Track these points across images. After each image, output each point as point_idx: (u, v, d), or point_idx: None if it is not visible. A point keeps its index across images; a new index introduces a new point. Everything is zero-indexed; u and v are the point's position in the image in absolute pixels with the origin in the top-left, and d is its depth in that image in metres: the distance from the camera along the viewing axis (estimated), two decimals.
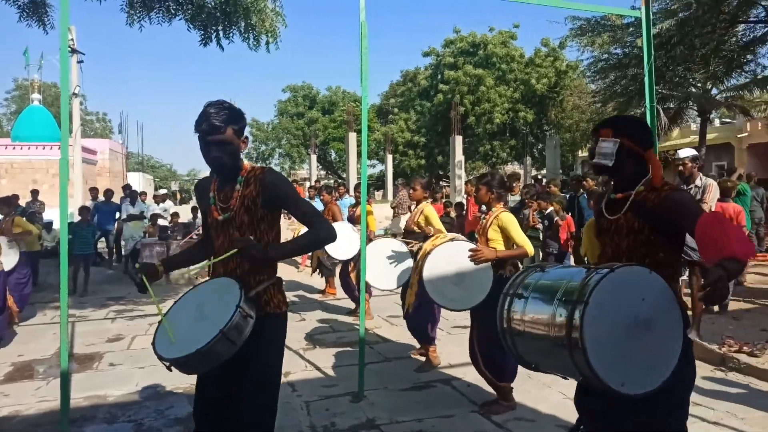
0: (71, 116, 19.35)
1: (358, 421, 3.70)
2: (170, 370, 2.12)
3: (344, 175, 33.87)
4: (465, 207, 10.81)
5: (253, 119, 38.06)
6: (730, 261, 1.66)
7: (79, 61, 19.56)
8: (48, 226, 10.97)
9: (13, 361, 5.26)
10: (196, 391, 2.39)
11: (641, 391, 1.74)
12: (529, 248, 3.69)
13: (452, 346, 5.41)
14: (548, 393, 4.07)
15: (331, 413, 3.84)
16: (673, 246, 2.04)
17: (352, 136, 20.73)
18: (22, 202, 12.05)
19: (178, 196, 33.46)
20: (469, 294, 3.68)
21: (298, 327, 6.30)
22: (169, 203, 13.52)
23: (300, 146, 35.92)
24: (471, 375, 4.46)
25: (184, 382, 4.45)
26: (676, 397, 1.93)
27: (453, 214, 10.90)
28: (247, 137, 2.36)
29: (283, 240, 2.43)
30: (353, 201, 12.32)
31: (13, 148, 24.13)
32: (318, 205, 11.79)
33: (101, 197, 12.55)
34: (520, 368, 3.90)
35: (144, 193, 14.15)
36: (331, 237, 2.31)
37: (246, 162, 2.36)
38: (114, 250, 12.23)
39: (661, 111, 13.33)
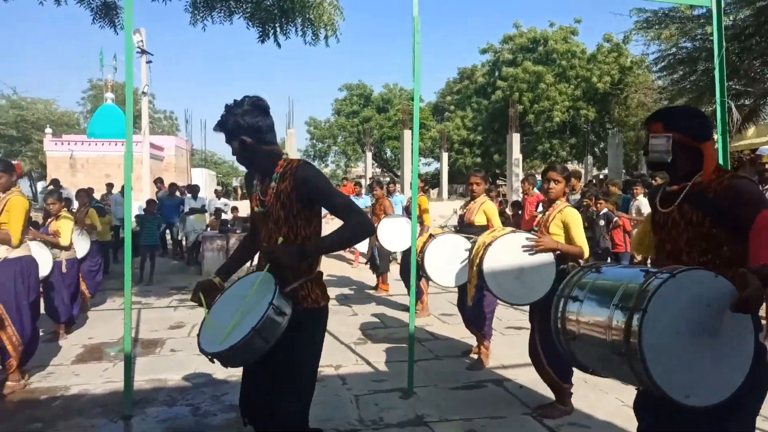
0: (141, 114, 20.35)
1: (407, 417, 3.69)
2: (213, 362, 2.18)
3: (399, 173, 33.98)
4: (522, 205, 10.58)
5: (311, 117, 38.75)
6: None
7: (148, 62, 20.53)
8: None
9: (84, 344, 5.58)
10: (242, 378, 2.46)
11: (708, 402, 1.63)
12: (587, 250, 3.56)
13: (505, 347, 5.31)
14: (605, 399, 3.92)
15: (380, 408, 3.85)
16: (738, 240, 1.87)
17: (408, 134, 20.68)
18: (97, 195, 12.74)
19: (239, 192, 34.54)
20: (531, 288, 3.59)
21: (350, 321, 6.36)
22: (223, 200, 13.99)
23: (355, 144, 36.27)
24: (523, 377, 4.37)
25: (237, 371, 4.56)
26: (746, 405, 1.81)
27: (509, 212, 10.69)
28: (261, 137, 2.29)
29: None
30: (405, 199, 12.34)
31: (89, 144, 25.62)
32: (366, 201, 11.86)
33: (165, 189, 13.09)
34: (576, 372, 3.79)
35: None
36: (367, 230, 2.28)
37: (285, 157, 2.35)
38: (177, 242, 12.73)
39: (734, 108, 12.55)
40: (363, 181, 20.36)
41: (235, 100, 2.31)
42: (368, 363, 4.89)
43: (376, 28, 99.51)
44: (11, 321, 4.04)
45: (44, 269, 4.98)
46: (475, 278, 4.08)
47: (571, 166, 29.55)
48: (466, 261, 4.62)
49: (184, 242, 12.19)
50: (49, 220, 5.70)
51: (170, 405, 3.94)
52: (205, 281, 2.44)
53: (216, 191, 15.04)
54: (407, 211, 7.72)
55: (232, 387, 4.27)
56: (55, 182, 13.41)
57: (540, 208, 9.67)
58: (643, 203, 7.80)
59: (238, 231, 10.86)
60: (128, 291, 3.80)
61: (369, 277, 9.40)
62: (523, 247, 3.60)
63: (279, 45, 6.77)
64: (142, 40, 19.41)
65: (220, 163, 55.60)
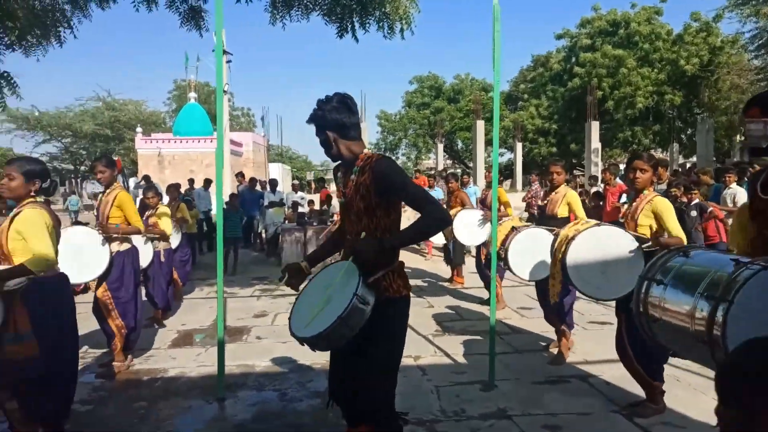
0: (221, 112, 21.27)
1: (489, 409, 3.67)
2: (302, 345, 2.29)
3: (471, 165, 33.51)
4: (603, 196, 10.16)
5: (381, 111, 38.94)
6: None
7: (228, 61, 21.37)
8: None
9: (177, 329, 5.95)
10: (330, 363, 2.58)
11: None
12: (684, 239, 3.38)
13: (589, 342, 5.16)
14: (700, 399, 3.72)
15: (461, 400, 3.85)
16: None
17: (480, 125, 20.37)
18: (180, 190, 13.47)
19: (313, 186, 35.45)
20: (618, 283, 3.46)
21: (426, 313, 6.39)
22: (300, 193, 14.38)
23: (426, 136, 36.13)
24: (609, 373, 4.23)
25: (321, 359, 4.73)
26: None
27: (589, 203, 10.30)
28: (344, 132, 2.41)
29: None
30: (478, 190, 12.17)
31: (175, 142, 27.05)
32: (438, 194, 11.79)
33: (246, 183, 13.63)
34: (668, 370, 3.62)
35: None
36: (444, 221, 2.31)
37: (366, 150, 2.45)
38: (258, 234, 13.26)
39: None
40: (434, 173, 20.29)
41: (326, 96, 2.43)
42: (447, 355, 4.90)
43: (447, 18, 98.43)
44: (119, 307, 4.38)
45: (145, 260, 5.34)
46: (558, 273, 3.98)
47: (656, 154, 28.00)
48: (550, 254, 4.52)
49: (263, 234, 12.68)
50: (148, 213, 6.10)
51: (259, 390, 4.14)
52: (293, 264, 2.60)
53: (293, 185, 15.50)
54: (481, 203, 7.62)
55: (317, 374, 4.42)
56: (147, 178, 14.31)
57: (624, 199, 9.26)
58: (738, 192, 7.27)
59: (314, 224, 11.15)
60: (221, 281, 4.02)
61: (443, 269, 9.38)
62: (608, 242, 3.47)
63: (357, 39, 6.87)
64: (222, 41, 20.23)
65: (294, 157, 57.21)
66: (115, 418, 3.64)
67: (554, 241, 3.96)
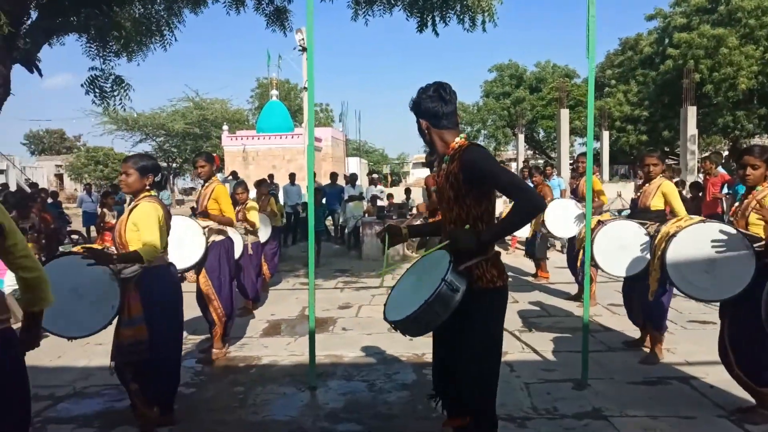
0: (301, 109, 21.92)
1: (583, 409, 3.55)
2: (395, 330, 2.32)
3: (553, 155, 32.39)
4: (703, 187, 9.50)
5: (459, 102, 38.42)
6: None
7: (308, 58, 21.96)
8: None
9: (267, 319, 6.21)
10: (432, 357, 2.60)
11: None
12: None
13: (689, 342, 4.87)
14: None
15: (553, 398, 3.75)
16: None
17: (564, 113, 19.63)
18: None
19: (389, 179, 35.75)
20: (724, 283, 3.24)
21: (511, 309, 6.20)
22: (379, 187, 14.54)
23: (505, 127, 35.30)
24: (714, 376, 3.96)
25: (407, 351, 4.79)
26: None
27: (687, 194, 9.68)
28: (437, 122, 2.44)
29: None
30: (563, 182, 11.73)
31: (258, 139, 28.16)
32: None
33: (327, 180, 13.97)
34: None
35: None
36: (538, 206, 2.24)
37: (458, 139, 2.43)
38: (339, 227, 13.56)
39: None
40: (514, 165, 19.78)
41: (427, 85, 2.46)
42: (535, 351, 4.79)
43: (526, 3, 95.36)
44: (217, 296, 4.64)
45: (236, 252, 5.60)
46: (657, 271, 3.78)
47: (761, 140, 25.81)
48: (640, 250, 4.31)
49: (344, 228, 12.94)
50: (237, 208, 6.39)
51: (348, 380, 4.24)
52: (394, 226, 2.69)
53: (372, 179, 15.69)
54: (572, 193, 7.33)
55: (404, 366, 4.47)
56: (234, 174, 14.98)
57: (725, 190, 8.61)
58: None
59: (394, 217, 11.23)
60: (312, 274, 4.13)
61: (526, 264, 9.16)
62: (715, 241, 3.24)
63: (437, 34, 6.83)
64: (303, 38, 20.79)
65: (371, 151, 57.87)
66: (216, 401, 3.87)
67: (653, 237, 3.75)
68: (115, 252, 3.18)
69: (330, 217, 13.49)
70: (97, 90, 7.60)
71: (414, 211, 11.81)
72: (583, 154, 6.77)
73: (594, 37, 3.93)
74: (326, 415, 3.58)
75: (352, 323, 5.95)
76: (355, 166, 31.44)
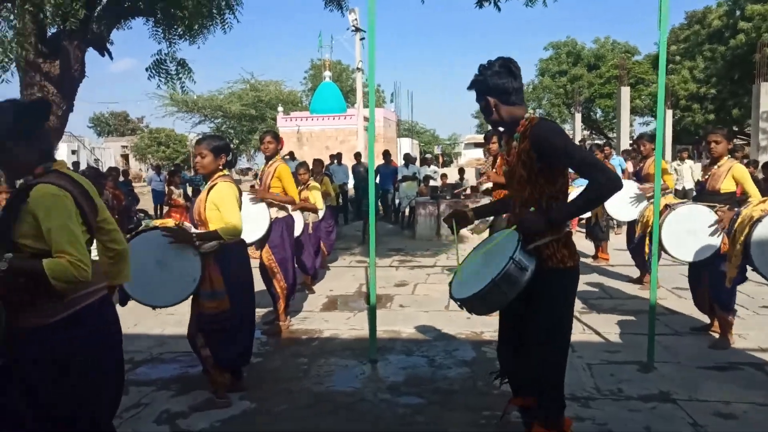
0: (354, 90, 21.96)
1: (649, 391, 3.48)
2: (461, 308, 2.33)
3: (611, 135, 31.26)
4: None
5: None
6: None
7: (362, 39, 21.93)
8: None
9: (327, 295, 6.36)
10: (498, 336, 2.61)
11: None
12: None
13: (761, 328, 4.67)
14: None
15: (617, 379, 3.69)
16: None
17: (624, 91, 18.86)
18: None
19: (441, 159, 35.38)
20: None
21: None
22: (433, 167, 14.48)
23: (561, 105, 34.25)
24: None
25: (465, 329, 4.81)
26: None
27: (759, 175, 9.18)
28: (506, 98, 2.36)
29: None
30: (622, 161, 11.32)
31: (312, 120, 28.49)
32: None
33: (380, 161, 14.02)
34: None
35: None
36: (615, 186, 2.14)
37: (528, 115, 2.37)
38: (392, 207, 13.62)
39: None
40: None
41: (488, 61, 2.39)
42: (597, 333, 4.71)
43: None
44: (280, 270, 4.79)
45: (297, 229, 5.74)
46: (738, 257, 3.63)
47: None
48: (709, 235, 4.15)
49: (399, 208, 13.00)
50: (299, 188, 6.53)
51: (408, 354, 4.30)
52: (459, 210, 2.69)
53: (426, 159, 15.64)
54: (635, 175, 7.08)
55: (462, 344, 4.49)
56: (291, 154, 15.25)
57: None
58: None
59: (448, 197, 11.17)
60: (373, 250, 4.19)
61: (585, 245, 8.93)
62: None
63: (499, 8, 6.67)
64: (356, 19, 20.75)
65: (422, 132, 57.48)
66: (281, 371, 4.02)
67: (733, 221, 3.59)
68: (193, 228, 3.34)
69: (382, 197, 13.57)
70: (162, 73, 7.88)
71: (468, 191, 11.72)
72: (643, 135, 6.53)
73: (667, 8, 3.75)
74: (387, 388, 3.66)
75: (408, 300, 6.02)
76: (407, 146, 31.33)
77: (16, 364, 1.88)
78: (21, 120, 1.92)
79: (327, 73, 30.85)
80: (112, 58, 7.46)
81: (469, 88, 2.46)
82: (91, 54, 7.13)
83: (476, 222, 2.87)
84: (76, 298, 1.91)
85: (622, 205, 6.11)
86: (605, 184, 2.14)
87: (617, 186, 2.16)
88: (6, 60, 5.91)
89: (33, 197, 1.83)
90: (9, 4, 5.92)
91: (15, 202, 1.88)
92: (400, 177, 13.11)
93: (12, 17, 6.03)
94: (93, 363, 1.93)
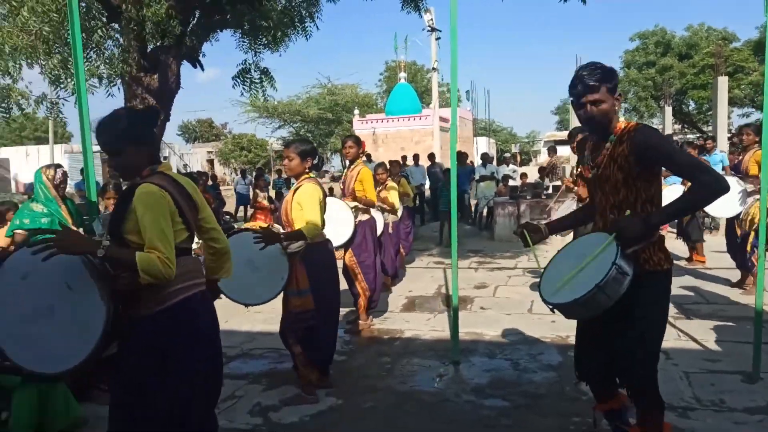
0: (430, 90, 21.98)
1: (756, 403, 3.25)
2: (553, 312, 2.30)
3: (705, 128, 29.25)
4: None
5: None
6: None
7: (437, 38, 21.90)
8: None
9: (406, 295, 6.41)
10: (576, 338, 2.57)
11: None
12: None
13: None
14: None
15: (718, 389, 3.47)
16: None
17: (722, 81, 17.51)
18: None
19: (518, 158, 34.64)
20: None
21: None
22: (512, 166, 14.19)
23: (649, 99, 32.42)
24: None
25: (550, 333, 4.69)
26: None
27: None
28: (620, 94, 2.35)
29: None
30: (724, 156, 10.56)
31: (387, 122, 28.77)
32: None
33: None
34: None
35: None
36: (722, 188, 2.10)
37: (622, 120, 2.35)
38: (470, 208, 13.50)
39: None
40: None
41: (593, 62, 2.34)
42: (694, 340, 4.44)
43: None
44: (362, 271, 4.89)
45: (378, 230, 5.84)
46: None
47: None
48: None
49: (476, 209, 12.86)
50: (378, 189, 6.63)
51: (491, 357, 4.26)
52: (531, 222, 2.68)
53: (505, 158, 15.38)
54: (733, 169, 6.59)
55: (547, 347, 4.39)
56: (368, 156, 15.47)
57: None
58: None
59: (528, 197, 10.91)
60: (455, 252, 4.22)
61: (677, 246, 8.42)
62: None
63: (584, 2, 6.45)
64: (432, 19, 20.74)
65: (498, 130, 56.45)
66: (365, 369, 4.10)
67: None
68: (281, 230, 3.50)
69: (460, 198, 13.48)
70: (246, 81, 8.27)
71: (550, 190, 11.38)
72: (747, 125, 6.09)
73: None
74: (472, 390, 3.64)
75: (489, 303, 5.95)
76: (484, 145, 30.90)
77: (120, 353, 2.05)
78: (134, 125, 2.09)
79: (402, 75, 31.03)
80: (203, 69, 7.95)
81: (598, 78, 2.27)
82: (183, 66, 7.63)
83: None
84: (177, 289, 2.05)
85: (721, 201, 5.70)
86: (711, 186, 2.12)
87: (724, 188, 2.12)
88: (114, 75, 6.44)
89: (136, 195, 2.00)
90: (116, 25, 6.45)
91: (123, 200, 2.07)
92: (477, 177, 12.97)
93: (118, 36, 6.57)
94: (190, 353, 2.06)
